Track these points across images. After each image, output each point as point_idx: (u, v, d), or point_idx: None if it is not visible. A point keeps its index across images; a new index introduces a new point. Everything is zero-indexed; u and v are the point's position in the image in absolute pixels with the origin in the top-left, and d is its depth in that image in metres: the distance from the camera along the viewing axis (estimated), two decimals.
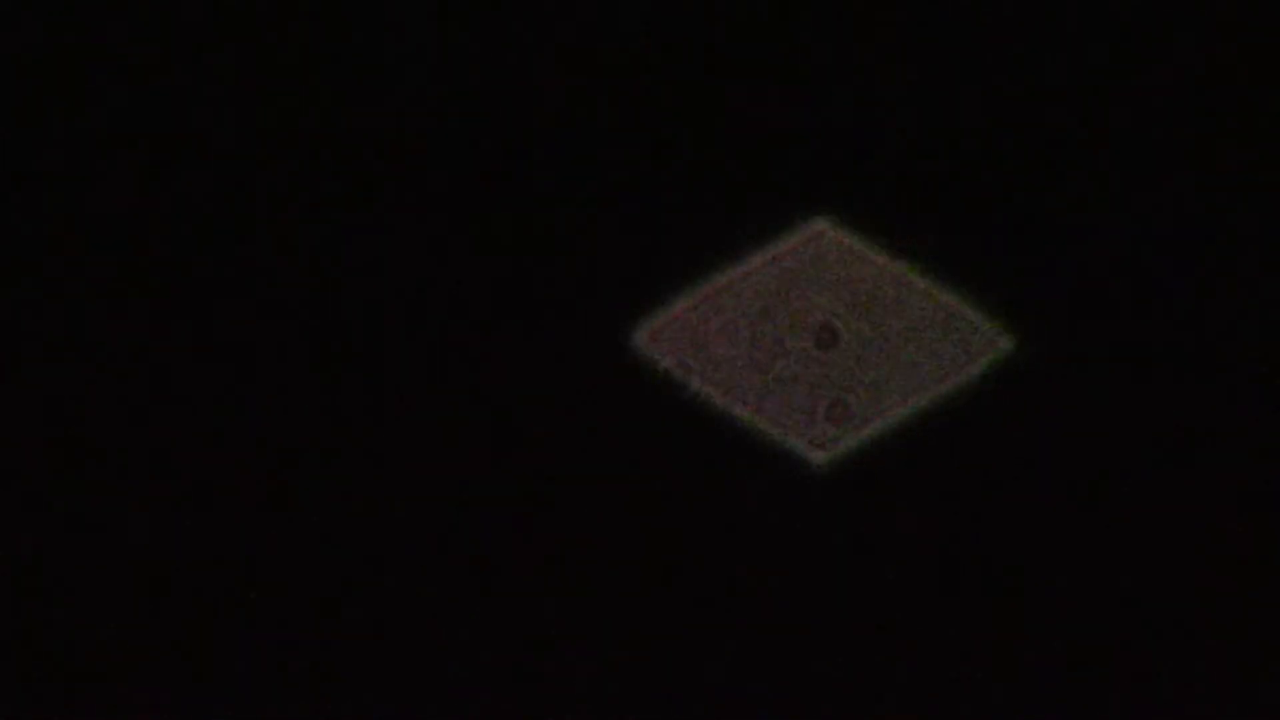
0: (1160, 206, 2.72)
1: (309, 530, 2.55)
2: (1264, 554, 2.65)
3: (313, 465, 2.55)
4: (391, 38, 2.54)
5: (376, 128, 2.58)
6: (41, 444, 2.46)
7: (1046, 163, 2.78)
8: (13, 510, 2.43)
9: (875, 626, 2.69)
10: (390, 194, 2.60)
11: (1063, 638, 2.68)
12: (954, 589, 2.69)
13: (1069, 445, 2.79)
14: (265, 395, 2.52)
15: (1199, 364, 2.67)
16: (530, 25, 2.57)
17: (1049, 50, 2.70)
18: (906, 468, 2.84)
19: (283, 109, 2.51)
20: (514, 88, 2.60)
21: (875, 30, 2.67)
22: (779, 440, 2.96)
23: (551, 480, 2.62)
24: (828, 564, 2.76)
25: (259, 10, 2.47)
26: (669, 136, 2.71)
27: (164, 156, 2.52)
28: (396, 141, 2.60)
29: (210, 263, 2.48)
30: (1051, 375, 2.81)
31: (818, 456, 2.95)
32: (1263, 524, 2.64)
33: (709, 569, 2.69)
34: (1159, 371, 2.71)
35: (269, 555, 2.52)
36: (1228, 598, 2.64)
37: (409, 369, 2.57)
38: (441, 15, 2.55)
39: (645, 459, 2.69)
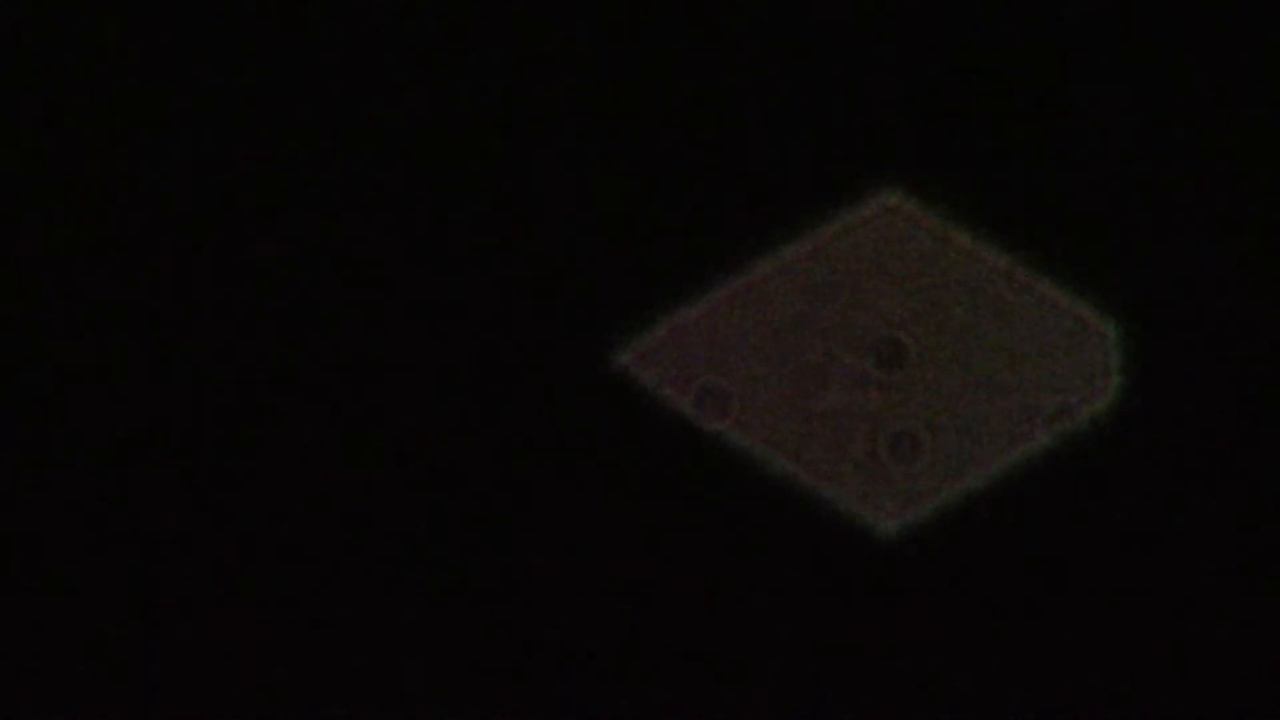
0: None
1: (280, 546, 2.65)
2: None
3: (292, 485, 2.64)
4: (358, 54, 2.66)
5: (354, 141, 2.67)
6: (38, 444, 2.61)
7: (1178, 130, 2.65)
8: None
9: None
10: (372, 204, 2.67)
11: None
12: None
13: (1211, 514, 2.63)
14: (237, 417, 2.64)
15: None
16: (513, 19, 2.65)
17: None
18: (995, 542, 2.65)
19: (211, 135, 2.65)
20: (499, 84, 2.66)
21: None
22: (824, 499, 2.67)
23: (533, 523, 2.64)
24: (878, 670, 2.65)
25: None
26: (664, 112, 2.67)
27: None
28: (378, 150, 2.67)
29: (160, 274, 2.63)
30: (1190, 412, 2.64)
31: (880, 523, 2.66)
32: None
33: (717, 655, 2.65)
34: None
35: (229, 575, 2.64)
36: None
37: (389, 391, 2.64)
38: (415, 23, 2.65)
39: (646, 523, 2.65)
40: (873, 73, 2.67)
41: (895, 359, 2.63)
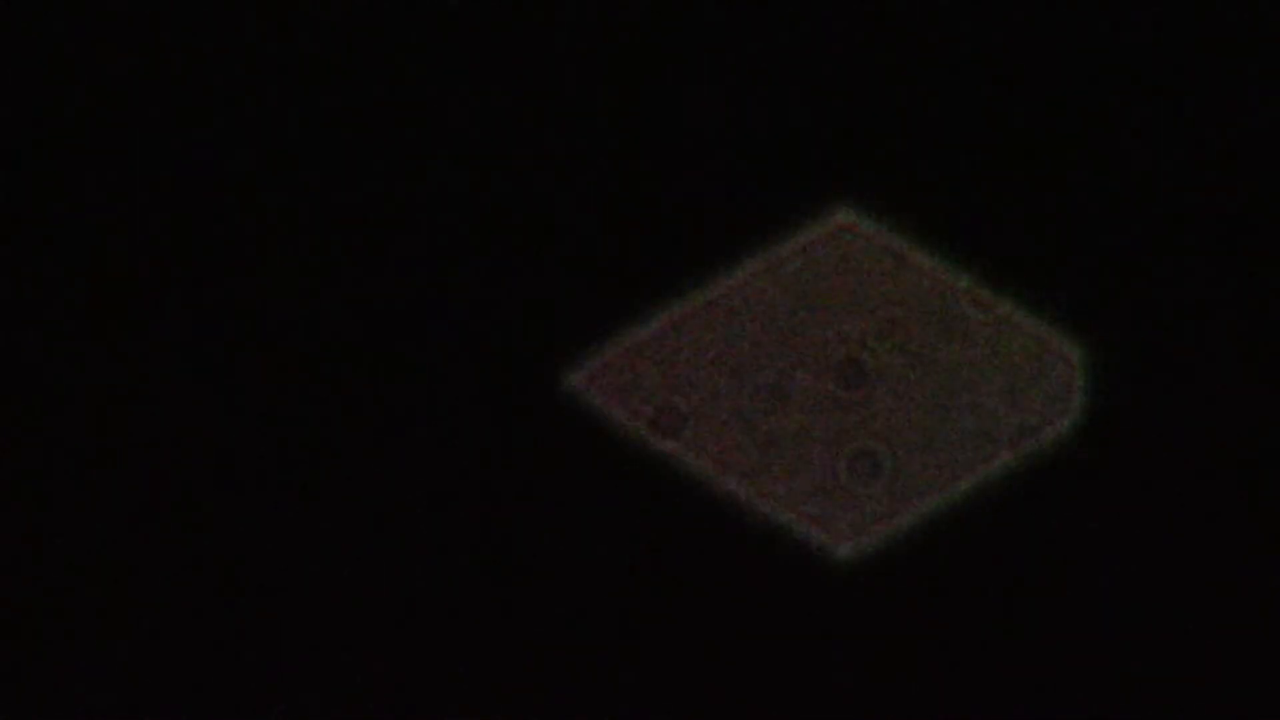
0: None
1: (229, 559, 2.66)
2: None
3: (244, 500, 2.65)
4: (302, 77, 2.70)
5: (308, 160, 2.70)
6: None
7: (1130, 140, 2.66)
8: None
9: None
10: (323, 222, 2.68)
11: None
12: None
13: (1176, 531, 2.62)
14: (180, 432, 2.66)
15: None
16: (451, 43, 2.69)
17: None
18: (955, 564, 2.63)
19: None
20: (453, 103, 2.68)
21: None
22: (780, 522, 2.64)
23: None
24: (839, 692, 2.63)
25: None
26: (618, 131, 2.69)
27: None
28: (327, 171, 2.70)
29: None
30: (1154, 430, 2.63)
31: (836, 547, 2.62)
32: None
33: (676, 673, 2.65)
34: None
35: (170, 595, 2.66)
36: None
37: (337, 412, 2.65)
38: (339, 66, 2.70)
39: (609, 546, 2.65)
40: (826, 91, 2.66)
41: (856, 379, 2.60)
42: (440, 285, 2.66)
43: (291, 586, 2.64)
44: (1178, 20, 2.65)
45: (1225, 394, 2.62)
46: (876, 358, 2.61)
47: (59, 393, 2.66)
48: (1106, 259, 2.64)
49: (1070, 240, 2.64)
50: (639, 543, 2.64)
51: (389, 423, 2.65)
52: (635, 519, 2.64)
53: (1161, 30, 2.65)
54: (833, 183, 2.64)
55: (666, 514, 2.64)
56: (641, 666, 2.63)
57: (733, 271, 2.63)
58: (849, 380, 2.61)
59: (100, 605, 2.64)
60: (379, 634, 2.64)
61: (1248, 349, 2.62)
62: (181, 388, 2.66)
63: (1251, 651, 2.61)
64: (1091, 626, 2.61)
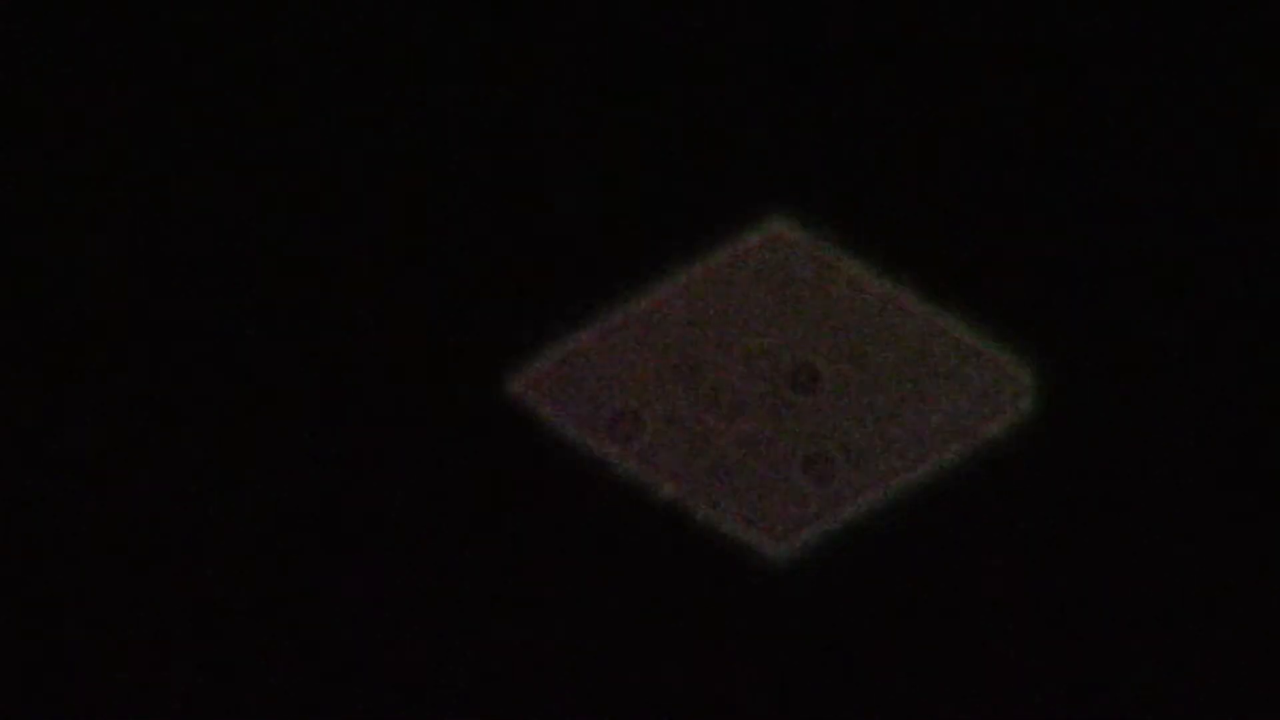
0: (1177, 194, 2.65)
1: (158, 573, 2.64)
2: None
3: (176, 502, 2.64)
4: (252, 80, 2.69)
5: (250, 162, 2.69)
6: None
7: (1064, 149, 2.67)
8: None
9: None
10: (262, 228, 2.68)
11: None
12: None
13: (1110, 530, 2.61)
14: (113, 434, 2.64)
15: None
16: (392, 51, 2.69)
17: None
18: (904, 559, 2.60)
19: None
20: (390, 109, 2.69)
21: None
22: (722, 526, 2.61)
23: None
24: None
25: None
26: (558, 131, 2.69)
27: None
28: (268, 176, 2.69)
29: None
30: (1089, 433, 2.62)
31: (778, 548, 2.59)
32: None
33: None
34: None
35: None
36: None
37: (273, 423, 2.64)
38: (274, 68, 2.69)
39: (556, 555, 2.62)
40: (760, 101, 2.66)
41: (807, 384, 2.60)
42: (379, 289, 2.65)
43: (236, 590, 2.61)
44: (1118, 26, 2.67)
45: (1172, 397, 2.63)
46: (827, 364, 2.60)
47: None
48: (1047, 266, 2.64)
49: (1010, 248, 2.65)
50: (582, 548, 2.61)
51: (326, 431, 2.63)
52: (579, 524, 2.61)
53: (1101, 36, 2.68)
54: (767, 191, 2.63)
55: (611, 519, 2.61)
56: (579, 669, 2.60)
57: (671, 279, 2.61)
58: (799, 385, 2.60)
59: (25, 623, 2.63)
60: (323, 635, 2.61)
61: (1195, 353, 2.63)
62: (112, 399, 2.64)
63: (1199, 659, 2.60)
64: (1033, 627, 2.59)
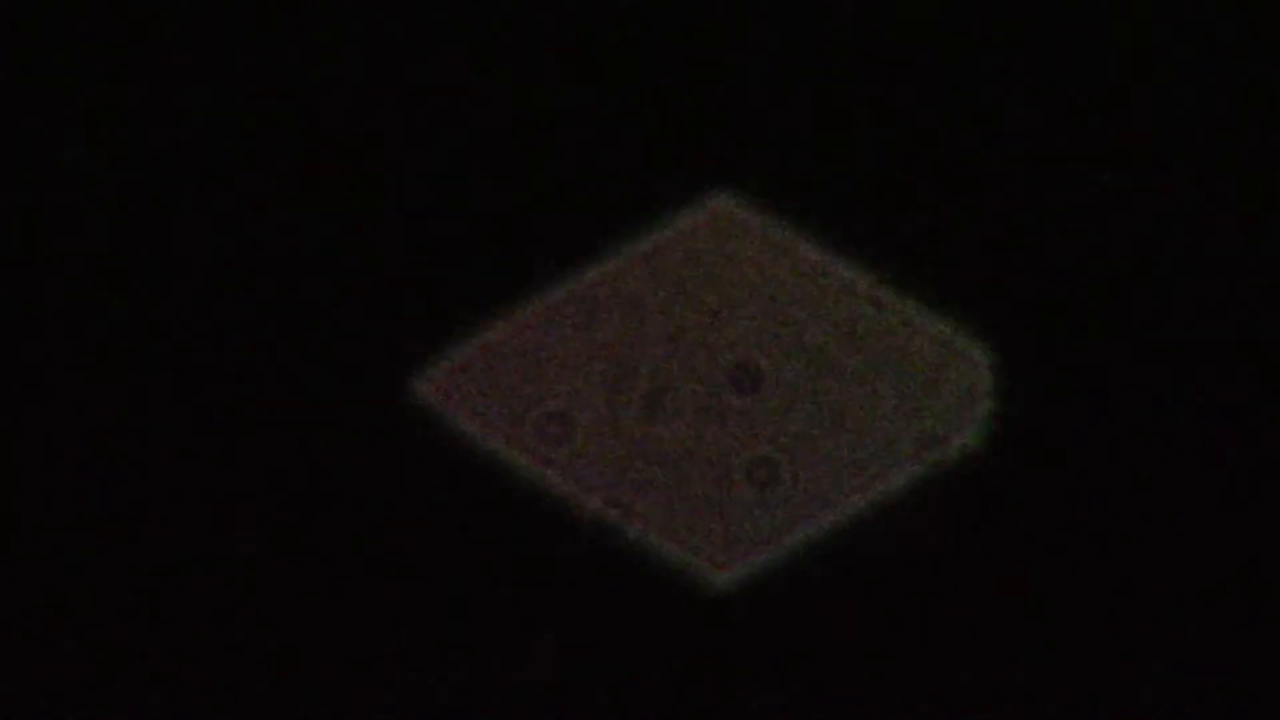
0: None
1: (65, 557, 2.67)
2: None
3: (85, 517, 2.65)
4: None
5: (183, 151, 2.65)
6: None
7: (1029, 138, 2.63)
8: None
9: None
10: (177, 226, 2.65)
11: None
12: None
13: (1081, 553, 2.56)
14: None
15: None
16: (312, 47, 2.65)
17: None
18: (858, 585, 2.53)
19: None
20: (311, 99, 2.64)
21: None
22: (655, 548, 2.45)
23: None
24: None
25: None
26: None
27: None
28: (198, 166, 2.64)
29: None
30: (1058, 436, 2.56)
31: (718, 576, 2.45)
32: None
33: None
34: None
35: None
36: None
37: (184, 429, 2.63)
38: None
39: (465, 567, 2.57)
40: (693, 63, 2.54)
41: (748, 384, 2.39)
42: (278, 286, 2.55)
43: (149, 594, 2.61)
44: (1076, 9, 2.61)
45: (1140, 401, 2.56)
46: (769, 361, 2.40)
47: None
48: (1013, 255, 2.55)
49: (974, 234, 2.54)
50: (499, 573, 2.52)
51: (228, 437, 2.57)
52: (495, 544, 2.52)
53: (1061, 20, 2.60)
54: (705, 163, 2.48)
55: (533, 539, 2.52)
56: (489, 702, 2.52)
57: (597, 263, 2.44)
58: (740, 385, 2.40)
59: None
60: (234, 643, 2.59)
61: (1161, 352, 2.56)
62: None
63: (1167, 670, 2.54)
64: (1002, 658, 2.51)
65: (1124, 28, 2.60)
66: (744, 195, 2.45)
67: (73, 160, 2.65)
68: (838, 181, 2.52)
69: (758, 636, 2.51)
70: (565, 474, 2.40)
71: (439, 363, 2.46)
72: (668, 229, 2.43)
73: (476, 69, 2.54)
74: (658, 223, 2.45)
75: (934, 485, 2.51)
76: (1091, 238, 2.56)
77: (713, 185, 2.47)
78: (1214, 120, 2.60)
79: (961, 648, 2.51)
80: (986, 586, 2.52)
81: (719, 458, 2.40)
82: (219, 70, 2.61)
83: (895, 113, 2.53)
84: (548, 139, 2.52)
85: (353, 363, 2.53)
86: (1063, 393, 2.52)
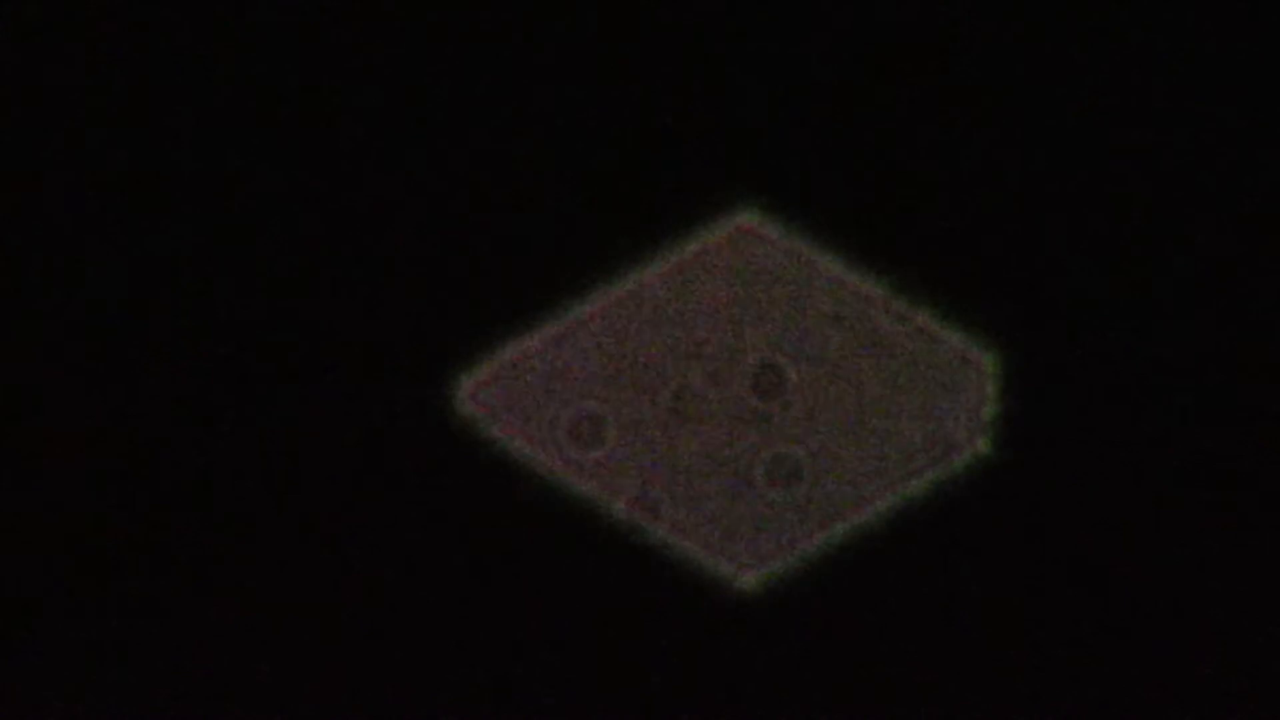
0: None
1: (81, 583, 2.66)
2: None
3: (113, 519, 2.64)
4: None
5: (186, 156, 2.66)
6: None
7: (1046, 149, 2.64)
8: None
9: None
10: (203, 233, 2.65)
11: None
12: None
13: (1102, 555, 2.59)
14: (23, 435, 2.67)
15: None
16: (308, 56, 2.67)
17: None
18: (881, 586, 2.56)
19: None
20: (320, 110, 2.66)
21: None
22: (683, 548, 2.52)
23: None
24: None
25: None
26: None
27: None
28: (210, 173, 2.65)
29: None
30: (1070, 437, 2.58)
31: (745, 578, 2.51)
32: None
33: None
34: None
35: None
36: None
37: (213, 436, 2.64)
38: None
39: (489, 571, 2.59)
40: (722, 84, 2.58)
41: (773, 389, 2.46)
42: (319, 292, 2.58)
43: (174, 596, 2.60)
44: (1081, 19, 2.62)
45: (1147, 405, 2.58)
46: (793, 368, 2.48)
47: None
48: (1023, 266, 2.58)
49: (986, 247, 2.58)
50: (532, 575, 2.55)
51: (251, 452, 2.59)
52: (527, 547, 2.55)
53: (1067, 29, 2.62)
54: (732, 183, 2.54)
55: (564, 541, 2.55)
56: (519, 704, 2.56)
57: (629, 275, 2.51)
58: (764, 392, 2.47)
59: None
60: (273, 648, 2.59)
61: (1167, 358, 2.58)
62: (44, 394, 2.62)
63: (1175, 670, 2.57)
64: (1016, 661, 2.55)
65: (1144, 34, 2.61)
66: (769, 212, 2.53)
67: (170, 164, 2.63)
68: (858, 198, 2.56)
69: (781, 638, 2.54)
70: (595, 477, 2.49)
71: (478, 370, 2.52)
72: (696, 243, 2.51)
73: (517, 85, 2.56)
74: (687, 237, 2.53)
75: (952, 489, 2.54)
76: (1110, 250, 2.58)
77: (739, 202, 2.54)
78: (1218, 122, 2.60)
79: (981, 649, 2.54)
80: (1005, 589, 2.55)
81: (743, 462, 2.50)
82: (269, 78, 2.62)
83: (914, 133, 2.57)
84: (583, 158, 2.55)
85: (391, 371, 2.55)
86: (1077, 400, 2.55)
